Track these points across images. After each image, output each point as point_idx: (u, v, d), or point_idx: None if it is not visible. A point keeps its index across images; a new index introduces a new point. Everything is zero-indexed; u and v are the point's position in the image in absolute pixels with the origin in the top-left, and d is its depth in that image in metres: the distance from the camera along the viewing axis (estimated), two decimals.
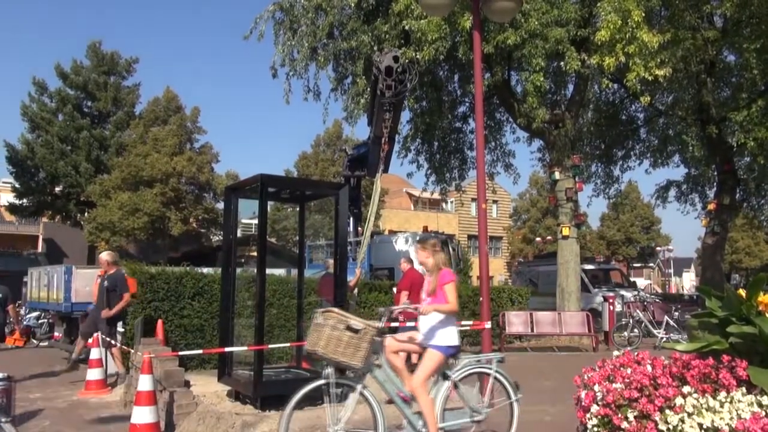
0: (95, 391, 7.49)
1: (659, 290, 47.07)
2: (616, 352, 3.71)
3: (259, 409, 6.43)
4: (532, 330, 12.77)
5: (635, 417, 2.91)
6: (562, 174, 14.92)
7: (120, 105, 33.36)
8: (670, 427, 2.73)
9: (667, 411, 2.80)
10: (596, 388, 3.26)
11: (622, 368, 3.39)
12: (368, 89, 12.59)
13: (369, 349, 4.45)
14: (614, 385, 3.19)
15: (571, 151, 15.13)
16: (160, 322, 8.95)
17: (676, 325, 12.97)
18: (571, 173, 14.93)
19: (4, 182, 38.52)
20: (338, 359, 4.42)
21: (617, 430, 2.97)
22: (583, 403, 3.33)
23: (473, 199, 51.00)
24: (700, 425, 2.67)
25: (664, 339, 12.88)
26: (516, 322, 12.78)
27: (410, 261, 9.74)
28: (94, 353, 7.66)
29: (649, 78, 11.39)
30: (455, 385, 4.69)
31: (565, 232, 14.66)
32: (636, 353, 3.59)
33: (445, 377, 4.67)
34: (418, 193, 50.70)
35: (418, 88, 14.27)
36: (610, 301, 14.17)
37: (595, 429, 3.13)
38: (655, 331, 13.12)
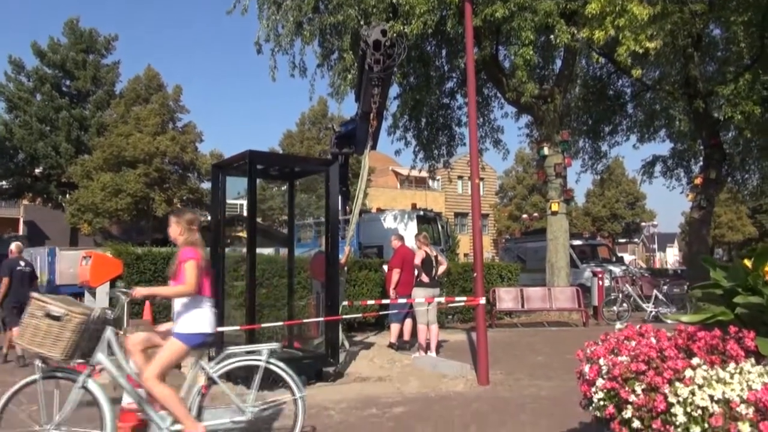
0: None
1: (644, 265, 47.64)
2: (619, 325, 3.64)
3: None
4: (523, 306, 12.79)
5: (643, 390, 2.84)
6: (551, 149, 14.84)
7: (99, 84, 32.69)
8: (680, 399, 2.66)
9: (677, 383, 2.73)
10: (601, 361, 3.19)
11: (626, 341, 3.32)
12: (355, 64, 12.34)
13: (74, 339, 3.85)
14: (620, 358, 3.12)
15: (560, 127, 15.05)
16: (147, 303, 8.80)
17: (664, 299, 13.07)
18: (559, 149, 14.85)
19: None
20: (36, 350, 3.87)
21: (624, 404, 2.90)
22: (587, 377, 3.26)
23: (460, 177, 51.00)
24: (711, 397, 2.61)
25: (653, 312, 12.99)
26: (506, 298, 12.79)
27: (401, 238, 9.65)
28: None
29: (640, 51, 11.27)
30: (213, 381, 4.08)
31: (554, 207, 14.63)
32: (639, 326, 3.52)
33: (203, 371, 4.09)
34: (404, 171, 50.59)
35: (406, 63, 14.04)
36: (599, 276, 14.24)
37: (601, 403, 3.06)
38: (644, 305, 13.21)
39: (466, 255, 45.63)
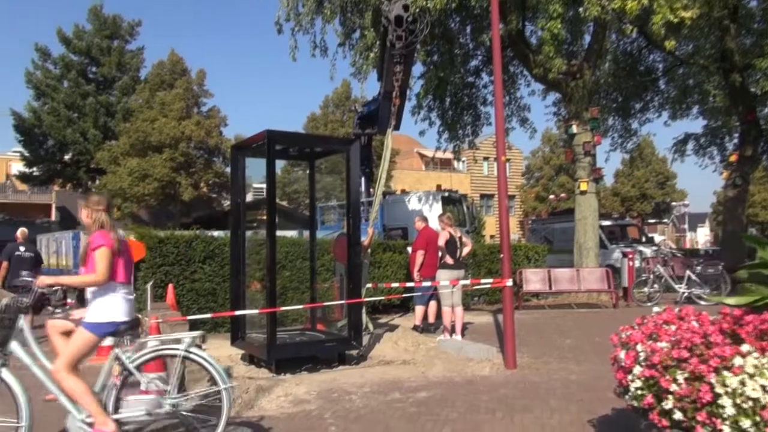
0: (107, 357, 7.35)
1: (673, 246, 46.69)
2: (656, 308, 3.40)
3: (273, 373, 6.27)
4: (550, 287, 12.50)
5: (686, 379, 2.63)
6: (580, 127, 14.40)
7: (124, 70, 32.90)
8: (729, 390, 2.45)
9: (725, 372, 2.51)
10: (639, 347, 2.97)
11: (665, 325, 3.09)
12: (377, 42, 12.08)
13: None
14: (659, 344, 2.90)
15: (589, 104, 14.58)
16: (170, 286, 8.78)
17: (698, 280, 12.65)
18: (588, 126, 14.40)
19: (14, 151, 38.46)
20: None
21: (665, 393, 2.69)
22: (623, 364, 3.05)
23: (485, 158, 50.36)
24: (764, 387, 2.39)
25: (686, 294, 12.60)
26: (533, 279, 12.52)
27: (425, 219, 9.46)
28: None
29: (675, 21, 10.77)
30: (129, 371, 3.82)
31: (583, 187, 14.24)
32: (679, 309, 3.29)
33: (119, 361, 3.84)
34: (429, 153, 50.15)
35: (429, 40, 13.72)
36: (630, 256, 13.84)
37: (639, 392, 2.86)
38: (676, 286, 12.81)
39: (492, 236, 45.22)
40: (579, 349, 7.56)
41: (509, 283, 6.41)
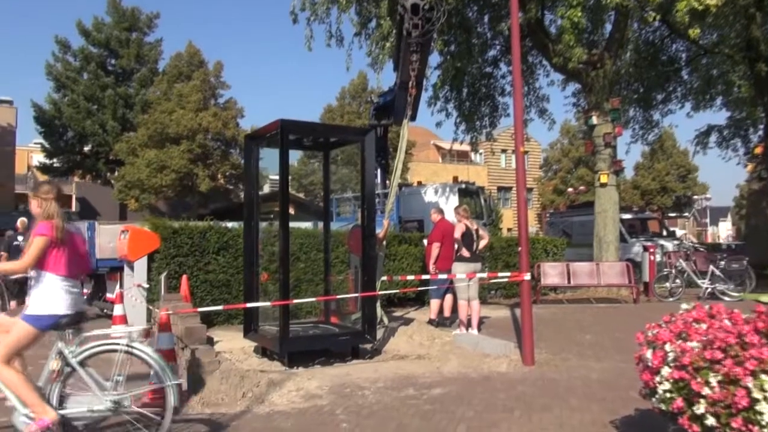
0: None
1: (694, 240, 45.94)
2: (685, 306, 3.21)
3: (286, 366, 6.17)
4: (569, 281, 12.27)
5: (719, 382, 2.45)
6: (600, 118, 14.10)
7: (143, 62, 33.03)
8: None
9: (762, 375, 2.33)
10: (667, 347, 2.80)
11: (695, 324, 2.91)
12: (394, 32, 11.89)
13: None
14: (690, 343, 2.72)
15: (610, 94, 14.26)
16: (184, 277, 8.72)
17: (722, 275, 12.32)
18: (609, 117, 14.09)
19: (35, 143, 38.94)
20: None
21: (696, 397, 2.52)
22: (650, 364, 2.87)
23: (503, 150, 49.92)
24: None
25: (709, 289, 12.29)
26: (552, 273, 12.30)
27: (441, 211, 9.29)
28: (118, 309, 7.46)
29: (700, 8, 10.43)
30: (71, 366, 3.70)
31: (603, 179, 13.95)
32: (709, 306, 3.10)
33: (61, 356, 3.72)
34: (446, 145, 49.82)
35: (447, 30, 13.49)
36: (651, 250, 13.53)
37: (668, 395, 2.68)
38: (699, 282, 12.50)
39: (509, 230, 44.85)
40: (599, 346, 7.36)
41: (527, 277, 6.23)
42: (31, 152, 43.28)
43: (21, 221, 10.34)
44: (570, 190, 42.40)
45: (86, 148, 32.69)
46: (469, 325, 8.12)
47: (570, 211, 23.26)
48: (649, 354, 2.94)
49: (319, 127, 6.78)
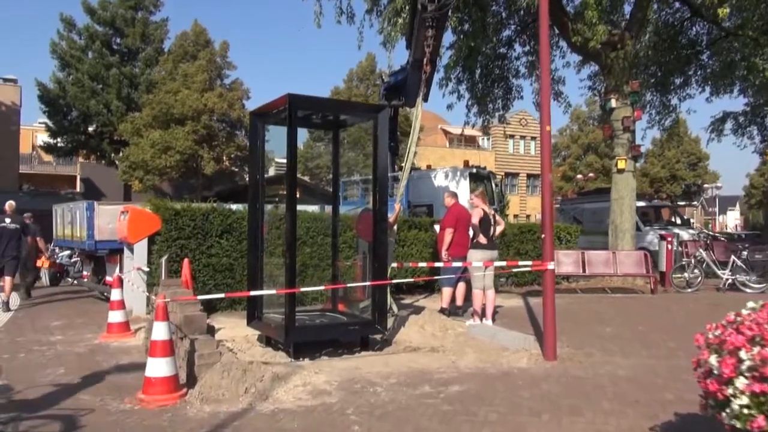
0: (117, 335, 6.98)
1: (703, 229, 45.32)
2: (752, 304, 2.79)
3: (291, 357, 5.80)
4: (584, 270, 11.84)
5: None
6: (619, 102, 13.59)
7: (148, 41, 32.49)
8: None
9: None
10: (743, 354, 2.38)
11: None
12: (407, 7, 11.39)
13: None
14: None
15: (630, 76, 13.72)
16: (186, 261, 8.34)
17: (743, 266, 11.87)
18: (628, 100, 13.58)
19: (40, 122, 38.59)
20: None
21: None
22: (717, 372, 2.46)
23: (511, 136, 49.33)
24: None
25: (729, 280, 11.86)
26: (566, 261, 11.86)
27: (455, 195, 8.85)
28: (115, 294, 7.11)
29: None
30: None
31: (621, 165, 13.47)
32: None
33: None
34: (453, 129, 49.21)
35: (462, 7, 12.97)
36: (668, 239, 13.07)
37: (745, 411, 2.27)
38: (719, 272, 12.06)
39: (515, 216, 44.36)
40: (622, 339, 6.95)
41: (552, 266, 5.81)
42: (35, 132, 42.92)
43: (9, 204, 10.27)
44: (579, 176, 41.85)
45: (90, 128, 32.31)
46: (483, 315, 7.74)
47: (581, 198, 22.76)
48: (713, 360, 2.53)
49: (330, 103, 6.36)
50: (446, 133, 50.52)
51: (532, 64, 16.25)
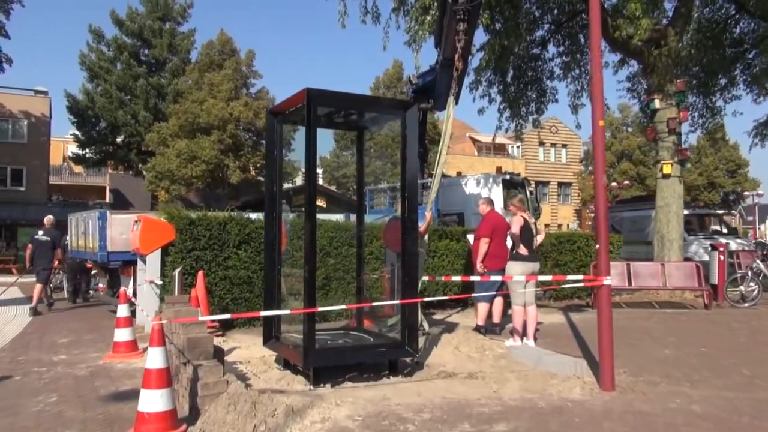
0: (123, 355, 6.41)
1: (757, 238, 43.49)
2: None
3: (311, 384, 5.14)
4: (629, 283, 10.94)
5: None
6: (663, 102, 12.71)
7: (175, 51, 32.63)
8: None
9: None
10: None
11: None
12: (435, 4, 10.76)
13: None
14: None
15: (674, 75, 12.83)
16: (200, 273, 7.79)
17: None
18: (673, 101, 12.68)
19: (71, 134, 39.05)
20: None
21: None
22: None
23: (541, 143, 48.26)
24: None
25: None
26: (611, 273, 10.95)
27: (490, 202, 8.11)
28: (122, 310, 6.56)
29: None
30: None
31: (666, 170, 12.56)
32: None
33: None
34: (482, 138, 48.33)
35: (493, 4, 12.29)
36: (721, 249, 12.08)
37: None
38: None
39: (546, 225, 43.16)
40: (686, 364, 6.11)
41: (608, 281, 5.06)
42: (67, 143, 43.45)
43: (47, 218, 11.27)
44: (614, 184, 40.52)
45: (118, 139, 32.47)
46: (523, 334, 6.98)
47: (620, 206, 21.72)
48: None
49: (353, 99, 5.72)
50: (474, 141, 49.67)
51: (567, 65, 15.44)
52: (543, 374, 5.51)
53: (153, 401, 3.75)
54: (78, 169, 40.36)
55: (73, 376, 5.70)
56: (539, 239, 7.25)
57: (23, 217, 29.55)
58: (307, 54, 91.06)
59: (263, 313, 5.44)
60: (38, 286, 10.50)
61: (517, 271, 6.73)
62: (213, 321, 7.75)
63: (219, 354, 4.72)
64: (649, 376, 5.52)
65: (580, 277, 7.65)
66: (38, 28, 74.17)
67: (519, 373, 5.54)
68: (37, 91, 32.98)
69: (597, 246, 5.11)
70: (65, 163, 43.72)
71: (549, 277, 7.50)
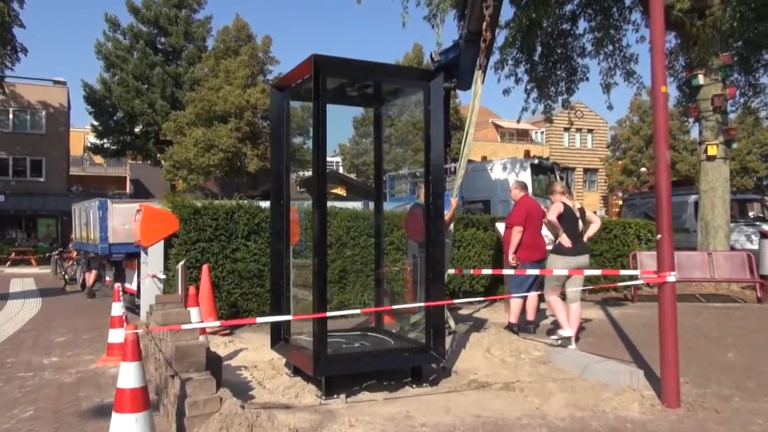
0: (118, 358, 5.78)
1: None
2: None
3: (322, 394, 4.46)
4: None
5: None
6: (707, 78, 11.71)
7: (191, 39, 32.15)
8: None
9: None
10: None
11: None
12: None
13: None
14: None
15: (719, 48, 11.82)
16: (205, 267, 7.15)
17: None
18: (719, 76, 11.68)
19: (91, 124, 38.97)
20: None
21: None
22: None
23: (566, 129, 46.88)
24: None
25: None
26: (651, 264, 10.02)
27: (524, 187, 7.31)
28: (116, 309, 5.95)
29: None
30: None
31: (712, 151, 11.60)
32: None
33: None
34: (505, 123, 47.15)
35: None
36: None
37: None
38: None
39: (594, 212, 41.95)
40: (758, 372, 5.28)
41: (672, 277, 4.27)
42: (87, 134, 43.36)
43: None
44: (643, 169, 39.15)
45: (136, 129, 32.16)
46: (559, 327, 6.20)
47: (653, 192, 20.68)
48: None
49: (368, 67, 4.94)
50: (497, 127, 48.50)
51: (599, 41, 14.43)
52: (592, 385, 4.74)
53: (126, 428, 3.07)
54: (98, 159, 40.25)
55: (58, 384, 5.09)
56: (593, 229, 6.40)
57: (43, 208, 29.45)
58: (323, 35, 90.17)
59: (259, 320, 4.73)
60: (93, 272, 11.06)
61: (559, 266, 5.90)
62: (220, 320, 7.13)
63: (214, 364, 4.04)
64: (717, 388, 4.72)
65: (636, 272, 6.81)
66: (54, 18, 74.44)
67: (563, 384, 4.78)
68: (55, 81, 32.76)
69: (658, 236, 4.31)
70: (86, 154, 43.66)
71: (597, 272, 6.69)
